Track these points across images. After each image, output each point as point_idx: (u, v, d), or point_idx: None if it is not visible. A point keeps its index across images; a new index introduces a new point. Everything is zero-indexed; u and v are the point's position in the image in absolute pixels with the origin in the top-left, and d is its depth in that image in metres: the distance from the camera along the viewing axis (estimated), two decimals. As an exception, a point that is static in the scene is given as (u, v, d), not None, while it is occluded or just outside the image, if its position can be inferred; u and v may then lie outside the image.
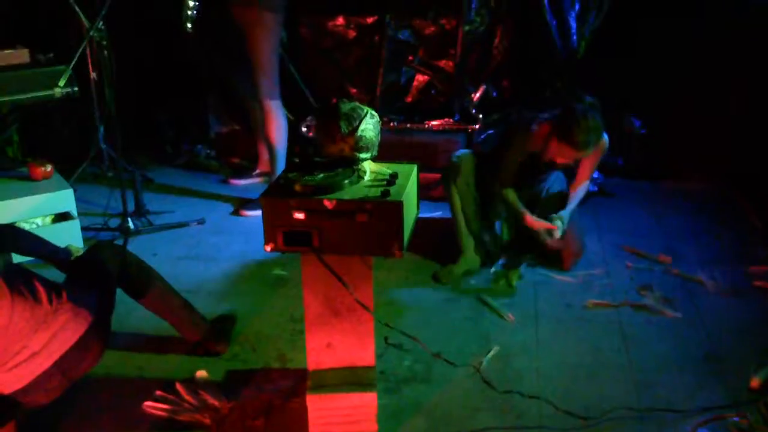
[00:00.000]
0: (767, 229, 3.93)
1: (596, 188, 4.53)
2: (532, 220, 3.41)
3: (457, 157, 3.56)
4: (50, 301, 2.21)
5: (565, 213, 3.44)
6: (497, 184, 3.49)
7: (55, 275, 2.47)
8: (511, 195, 3.48)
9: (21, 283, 2.18)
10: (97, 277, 2.52)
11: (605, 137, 3.39)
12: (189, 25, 3.83)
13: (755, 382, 2.61)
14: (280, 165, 4.31)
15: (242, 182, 4.88)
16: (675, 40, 4.46)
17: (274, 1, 4.01)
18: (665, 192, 4.62)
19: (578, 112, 3.19)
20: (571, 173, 3.61)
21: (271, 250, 2.09)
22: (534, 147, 3.41)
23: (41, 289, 2.21)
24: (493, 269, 3.57)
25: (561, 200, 3.54)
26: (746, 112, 4.38)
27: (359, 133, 2.16)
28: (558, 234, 3.40)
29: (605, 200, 4.49)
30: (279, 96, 4.23)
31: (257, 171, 4.89)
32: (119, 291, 2.62)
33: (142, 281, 2.69)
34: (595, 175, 4.55)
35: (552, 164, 3.48)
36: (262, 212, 2.08)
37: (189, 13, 3.82)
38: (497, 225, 3.73)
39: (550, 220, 3.40)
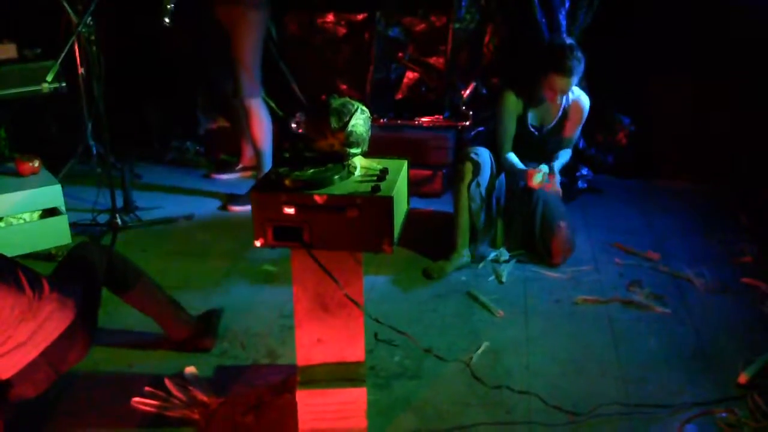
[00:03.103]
0: (755, 226, 3.94)
1: (585, 185, 4.55)
2: (532, 176, 3.53)
3: (475, 154, 3.55)
4: (33, 291, 2.19)
5: (554, 164, 3.60)
6: (499, 154, 3.64)
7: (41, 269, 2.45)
8: (511, 157, 3.62)
9: (4, 271, 2.17)
10: (82, 272, 2.51)
11: (586, 97, 3.61)
12: (167, 20, 3.82)
13: (743, 378, 2.62)
14: (267, 162, 4.30)
15: (224, 177, 4.89)
16: (665, 38, 4.47)
17: (259, 0, 4.01)
18: (654, 189, 4.65)
19: (562, 41, 3.50)
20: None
21: (261, 245, 2.08)
22: (519, 104, 3.61)
23: (24, 279, 2.20)
24: (481, 264, 3.58)
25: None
26: (735, 111, 4.40)
27: (350, 128, 2.15)
28: (535, 180, 3.54)
29: (595, 197, 4.51)
30: (260, 94, 4.22)
31: (239, 166, 4.90)
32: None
33: (127, 279, 2.67)
34: (585, 172, 4.57)
35: (542, 137, 3.62)
36: (252, 207, 2.07)
37: (168, 6, 3.80)
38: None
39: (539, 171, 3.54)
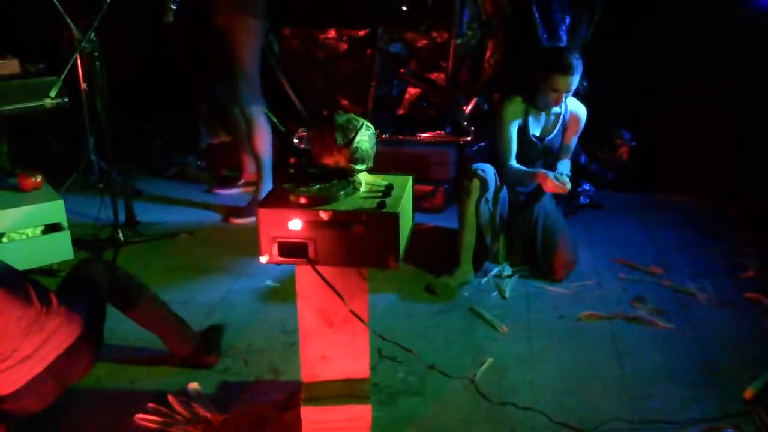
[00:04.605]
0: (758, 241, 3.95)
1: (587, 200, 4.56)
2: (547, 178, 3.42)
3: (482, 171, 3.50)
4: (41, 304, 2.19)
5: (563, 170, 3.57)
6: (502, 165, 3.61)
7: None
8: (517, 165, 3.59)
9: (11, 283, 2.16)
10: (87, 287, 2.51)
11: (583, 108, 3.61)
12: (170, 18, 3.85)
13: (748, 393, 2.61)
14: (267, 171, 4.31)
15: (226, 192, 4.89)
16: (665, 52, 4.49)
17: (258, 9, 4.08)
18: (656, 204, 4.65)
19: (560, 45, 3.54)
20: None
21: (267, 262, 2.08)
22: (521, 111, 3.59)
23: (33, 291, 2.20)
24: (484, 280, 3.57)
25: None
26: (737, 124, 4.41)
27: (355, 144, 2.15)
28: (568, 185, 3.42)
29: (597, 212, 4.51)
30: (261, 102, 4.24)
31: (242, 181, 4.91)
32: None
33: (131, 294, 2.67)
34: (587, 187, 4.57)
35: (544, 147, 3.63)
36: (257, 223, 2.07)
37: (170, 5, 3.84)
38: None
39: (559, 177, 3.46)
